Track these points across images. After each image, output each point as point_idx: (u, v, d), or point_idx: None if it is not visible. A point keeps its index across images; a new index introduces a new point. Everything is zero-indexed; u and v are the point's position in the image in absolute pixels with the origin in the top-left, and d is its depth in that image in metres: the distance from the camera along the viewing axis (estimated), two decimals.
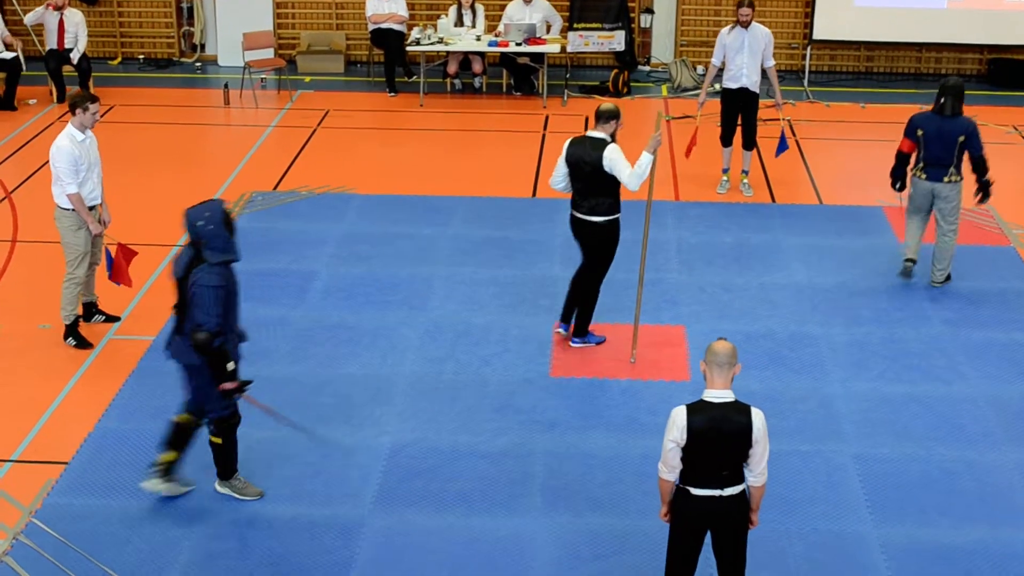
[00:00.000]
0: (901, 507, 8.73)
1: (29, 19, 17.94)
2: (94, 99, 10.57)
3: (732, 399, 6.83)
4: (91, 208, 10.68)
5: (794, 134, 16.61)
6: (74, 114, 10.48)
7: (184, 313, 8.23)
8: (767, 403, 9.73)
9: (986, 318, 11.45)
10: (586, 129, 16.64)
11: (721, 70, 14.22)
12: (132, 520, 8.45)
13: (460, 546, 8.29)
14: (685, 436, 6.76)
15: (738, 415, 6.79)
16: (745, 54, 13.83)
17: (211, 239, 8.05)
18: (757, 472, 6.90)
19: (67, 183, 10.44)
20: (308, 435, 9.19)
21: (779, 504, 8.67)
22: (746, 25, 13.80)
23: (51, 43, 17.74)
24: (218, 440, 8.57)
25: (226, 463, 8.70)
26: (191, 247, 8.16)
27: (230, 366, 8.20)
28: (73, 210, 10.56)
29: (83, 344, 10.84)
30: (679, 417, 6.80)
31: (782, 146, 14.19)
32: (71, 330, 10.82)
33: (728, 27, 14.04)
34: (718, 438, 6.76)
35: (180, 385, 8.61)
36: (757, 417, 6.81)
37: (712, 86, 14.48)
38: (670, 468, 6.91)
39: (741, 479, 6.93)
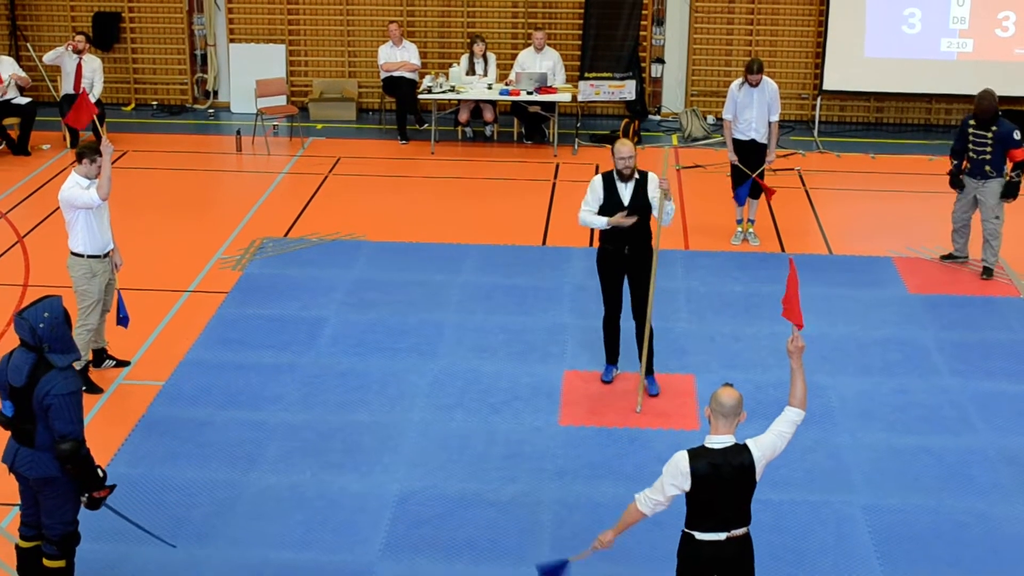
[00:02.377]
0: (911, 559, 8.69)
1: (48, 58, 18.05)
2: (100, 153, 10.62)
3: (732, 443, 6.86)
4: (105, 255, 10.74)
5: (804, 184, 16.65)
6: (80, 163, 10.54)
7: (29, 424, 7.54)
8: None
9: (996, 369, 11.43)
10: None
11: None
12: (140, 567, 8.42)
13: None
14: (689, 482, 6.78)
15: (739, 456, 6.82)
16: (754, 109, 14.01)
17: (54, 341, 7.46)
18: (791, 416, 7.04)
19: (90, 199, 10.41)
20: (162, 540, 8.52)
21: (788, 555, 8.65)
22: (755, 85, 13.94)
23: (67, 87, 17.86)
24: (60, 564, 7.80)
25: None
26: (30, 351, 7.49)
27: (100, 471, 7.69)
28: (87, 257, 10.62)
29: (93, 389, 10.86)
30: (682, 463, 6.82)
31: (744, 192, 14.14)
32: (81, 375, 10.82)
33: (738, 81, 14.14)
34: (721, 482, 6.79)
35: (23, 505, 7.93)
36: (753, 445, 6.86)
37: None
38: (657, 506, 6.93)
39: (745, 520, 6.93)
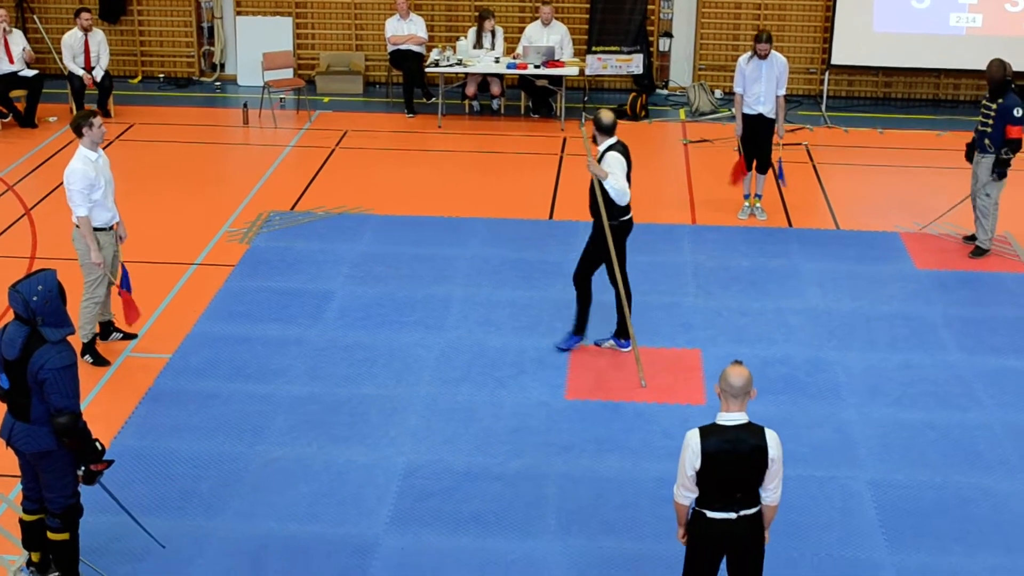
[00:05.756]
0: (916, 534, 8.70)
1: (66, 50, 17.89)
2: (93, 113, 10.58)
3: (745, 421, 6.82)
4: (109, 228, 10.73)
5: (811, 159, 16.61)
6: (81, 135, 10.49)
7: (24, 398, 7.53)
8: (782, 428, 9.65)
9: (1003, 345, 11.42)
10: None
11: None
12: (145, 538, 8.42)
13: (474, 568, 8.29)
14: (700, 460, 6.76)
15: (752, 436, 6.78)
16: (763, 83, 13.93)
17: (48, 315, 7.42)
18: (770, 489, 6.88)
19: (78, 204, 10.44)
20: (152, 537, 8.40)
21: (793, 530, 8.66)
22: (764, 57, 13.86)
23: (76, 67, 17.80)
24: (64, 536, 7.80)
25: (71, 565, 7.91)
26: (23, 324, 7.46)
27: (98, 445, 7.68)
28: (93, 229, 10.60)
29: (100, 361, 10.88)
30: (693, 440, 6.78)
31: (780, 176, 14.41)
32: (88, 348, 10.86)
33: (746, 55, 14.07)
34: (732, 460, 6.75)
35: (24, 479, 7.94)
36: (771, 437, 6.81)
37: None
38: (686, 491, 6.91)
39: (756, 501, 6.92)
